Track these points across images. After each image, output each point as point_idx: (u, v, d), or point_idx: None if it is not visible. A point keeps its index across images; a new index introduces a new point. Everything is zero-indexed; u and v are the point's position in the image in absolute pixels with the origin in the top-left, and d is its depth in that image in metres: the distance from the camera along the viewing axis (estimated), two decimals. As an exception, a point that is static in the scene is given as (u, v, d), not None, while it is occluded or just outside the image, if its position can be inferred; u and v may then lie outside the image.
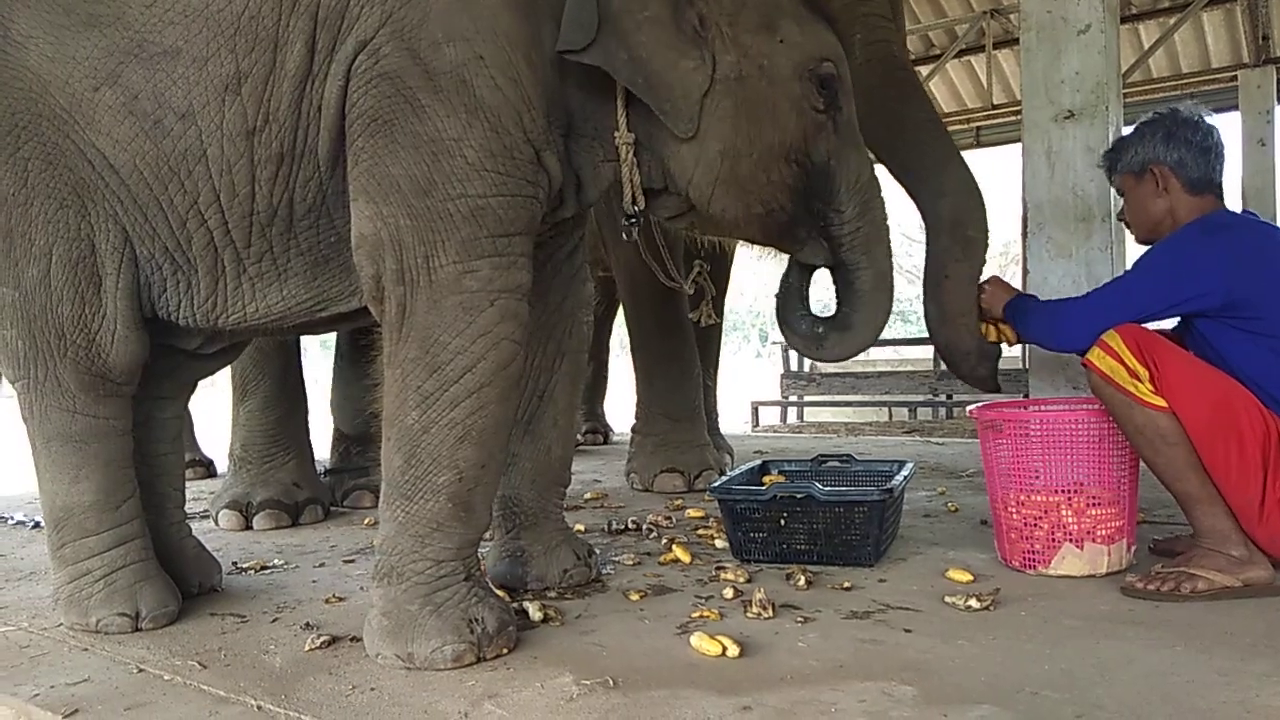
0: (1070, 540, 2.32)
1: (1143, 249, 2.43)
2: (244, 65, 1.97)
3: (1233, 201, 2.41)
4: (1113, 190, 2.56)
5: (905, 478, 2.75)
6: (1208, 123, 2.36)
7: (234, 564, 2.77)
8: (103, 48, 2.03)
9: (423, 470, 1.91)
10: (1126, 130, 2.51)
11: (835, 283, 2.32)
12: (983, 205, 2.58)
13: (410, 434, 1.91)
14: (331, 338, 4.01)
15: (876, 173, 2.30)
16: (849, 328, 2.32)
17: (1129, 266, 3.52)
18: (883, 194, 2.29)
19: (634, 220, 2.21)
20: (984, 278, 2.72)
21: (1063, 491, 2.32)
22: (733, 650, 1.86)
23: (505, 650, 1.92)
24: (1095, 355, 2.19)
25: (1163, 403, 2.13)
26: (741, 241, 2.67)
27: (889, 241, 2.30)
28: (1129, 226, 2.50)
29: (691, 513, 3.27)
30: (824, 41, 2.15)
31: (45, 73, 2.05)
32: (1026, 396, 3.71)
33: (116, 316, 2.12)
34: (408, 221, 1.90)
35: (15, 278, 2.11)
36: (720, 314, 4.19)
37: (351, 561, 2.81)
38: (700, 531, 2.97)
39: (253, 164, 2.01)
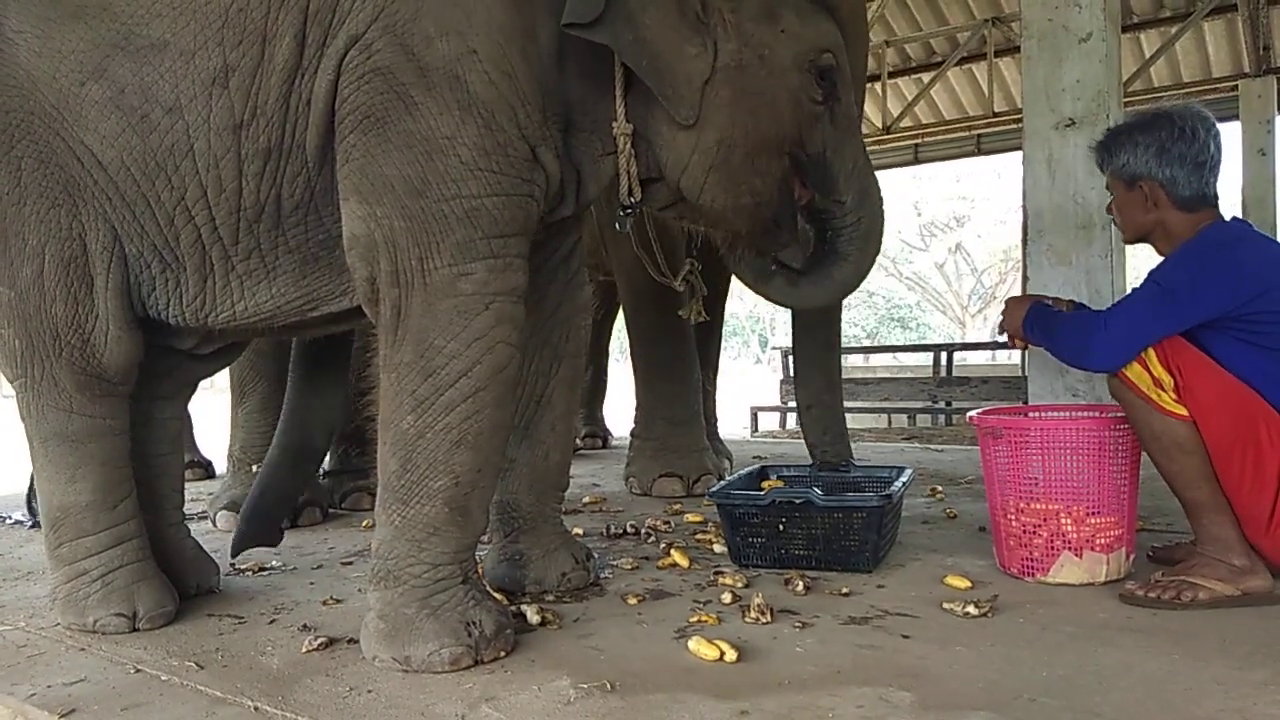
0: (1069, 548, 2.31)
1: (1139, 248, 2.41)
2: (231, 58, 1.94)
3: (1233, 212, 2.39)
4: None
5: (904, 484, 2.75)
6: (1205, 129, 2.27)
7: (231, 565, 2.77)
8: (89, 40, 2.01)
9: (419, 475, 1.91)
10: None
11: (816, 252, 2.38)
12: None
13: (406, 439, 1.91)
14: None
15: (870, 160, 2.34)
16: (795, 286, 2.40)
17: (1128, 274, 3.53)
18: (878, 186, 2.34)
19: (629, 211, 2.21)
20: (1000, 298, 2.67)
21: (1062, 499, 2.32)
22: (730, 655, 1.85)
23: (502, 653, 1.91)
24: None
25: (1183, 411, 2.12)
26: (725, 233, 2.65)
27: (882, 232, 2.36)
28: (1115, 222, 2.46)
29: (690, 517, 3.27)
30: (824, 32, 2.15)
31: (34, 68, 2.04)
32: (1026, 403, 3.72)
33: (108, 316, 2.11)
34: (402, 223, 1.88)
35: (11, 277, 2.11)
36: (720, 316, 4.20)
37: (349, 563, 2.81)
38: (699, 536, 2.97)
39: (240, 159, 1.98)
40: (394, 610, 1.91)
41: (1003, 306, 2.53)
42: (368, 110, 1.90)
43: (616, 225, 2.29)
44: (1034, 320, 2.38)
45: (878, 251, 2.40)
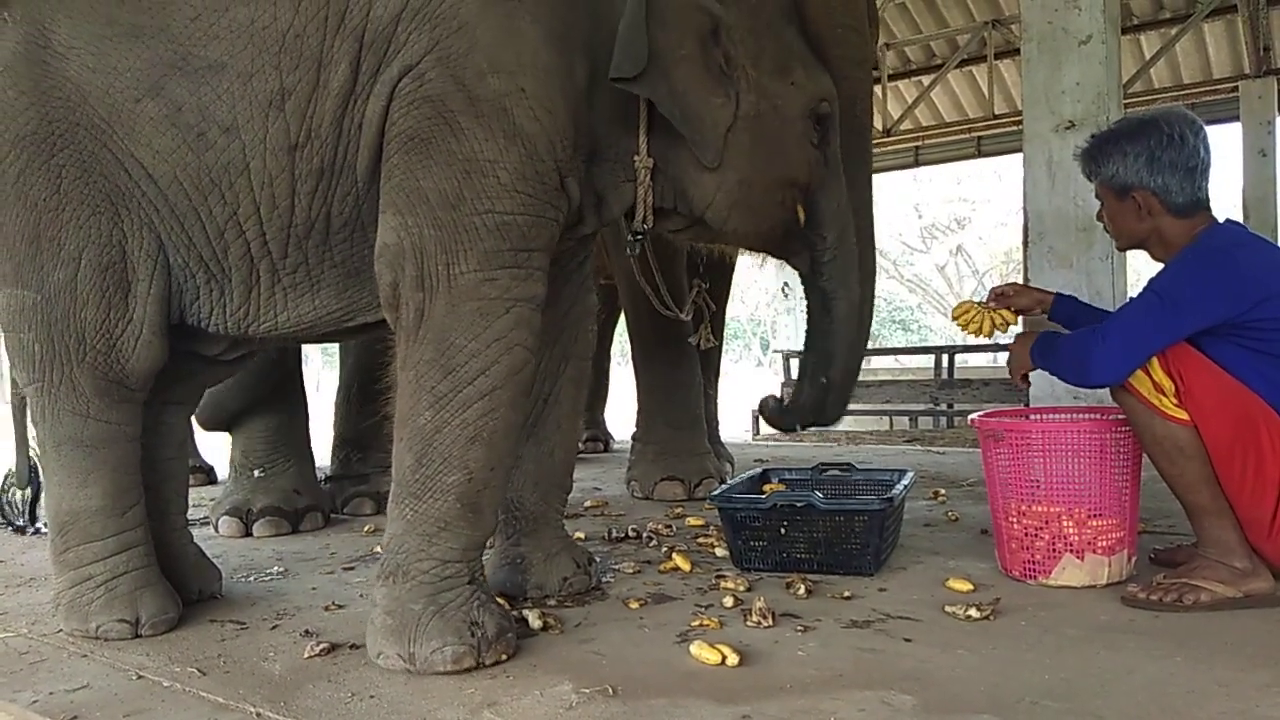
0: (1071, 551, 2.31)
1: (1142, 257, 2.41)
2: (288, 82, 2.03)
3: (1234, 213, 2.38)
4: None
5: (906, 487, 2.75)
6: (1193, 133, 2.25)
7: (233, 570, 2.77)
8: (146, 59, 2.07)
9: (433, 470, 1.94)
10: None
11: (810, 309, 2.51)
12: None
13: (423, 434, 1.95)
14: (333, 345, 4.02)
15: (849, 203, 2.47)
16: (827, 394, 2.50)
17: (1129, 275, 3.53)
18: (853, 223, 2.47)
19: (641, 236, 2.33)
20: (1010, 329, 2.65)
21: (1064, 502, 2.32)
22: (732, 659, 1.86)
23: (504, 656, 1.92)
24: None
25: (1185, 416, 2.12)
26: (741, 249, 2.81)
27: (857, 268, 2.47)
28: (1108, 230, 2.45)
29: (692, 521, 3.27)
30: (824, 84, 2.34)
31: (85, 83, 2.10)
32: (1028, 406, 3.71)
33: (144, 322, 2.16)
34: (432, 231, 1.96)
35: (39, 281, 2.14)
36: (721, 328, 4.20)
37: (351, 569, 2.81)
38: (700, 540, 2.97)
39: (294, 178, 2.07)
40: (401, 606, 1.94)
41: (1011, 346, 2.45)
42: (414, 132, 1.99)
43: (627, 250, 2.40)
44: (1038, 351, 2.34)
45: (860, 284, 2.49)
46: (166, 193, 2.11)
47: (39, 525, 3.36)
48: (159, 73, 2.06)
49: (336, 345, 4.01)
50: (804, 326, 2.61)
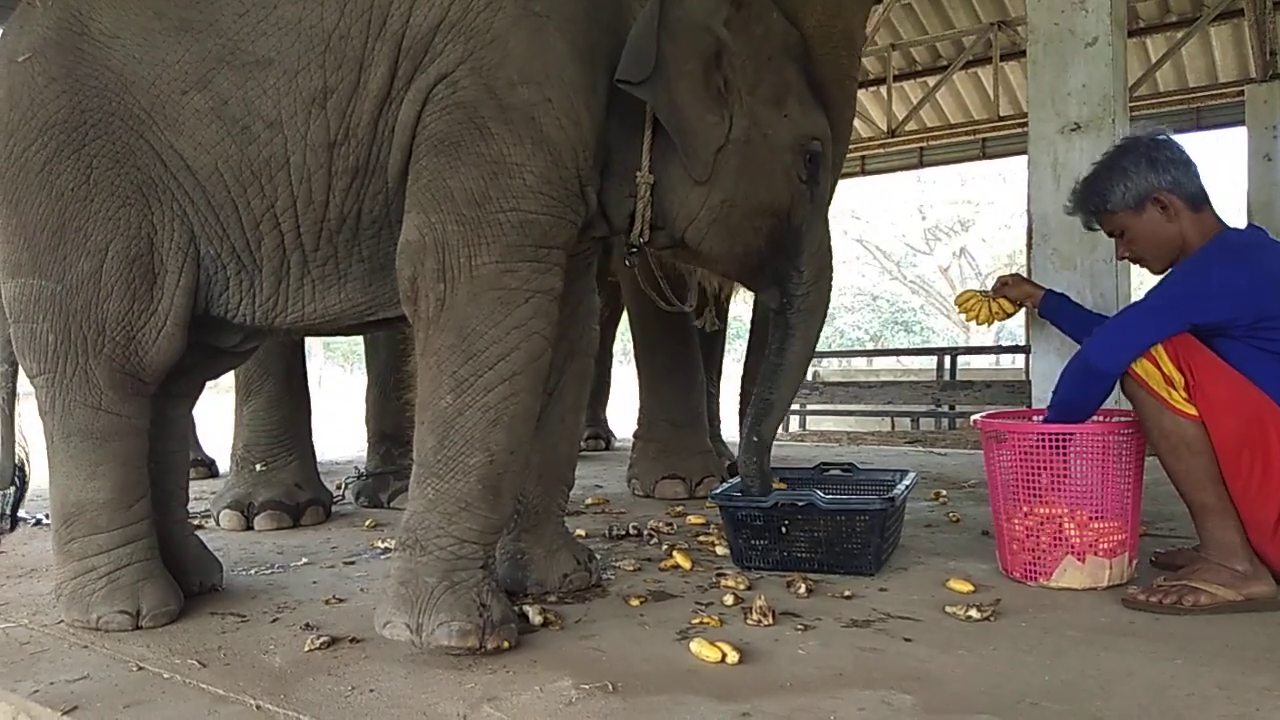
0: (1072, 553, 2.31)
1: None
2: (331, 81, 2.07)
3: (1239, 216, 2.40)
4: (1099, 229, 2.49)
5: (907, 487, 2.75)
6: (1166, 137, 2.35)
7: (234, 563, 2.77)
8: (195, 53, 2.10)
9: (455, 451, 1.98)
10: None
11: (771, 342, 2.53)
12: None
13: (444, 416, 1.99)
14: (334, 340, 4.01)
15: (833, 247, 2.54)
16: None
17: (1133, 278, 3.53)
18: (833, 267, 2.53)
19: (635, 251, 2.40)
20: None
21: (1065, 504, 2.32)
22: (732, 657, 1.86)
23: (505, 644, 1.93)
24: None
25: (1193, 411, 2.13)
26: (714, 274, 2.89)
27: (825, 313, 2.55)
28: (1139, 263, 2.45)
29: (693, 519, 3.28)
30: (818, 123, 2.39)
31: (129, 73, 2.11)
32: (1030, 407, 3.71)
33: (169, 314, 2.17)
34: (455, 227, 2.01)
35: (60, 271, 2.13)
36: (725, 319, 4.20)
37: (352, 563, 2.81)
38: (701, 538, 2.98)
39: (330, 175, 2.11)
40: (416, 577, 1.97)
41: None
42: (444, 136, 2.04)
43: (625, 262, 2.45)
44: (1054, 409, 2.37)
45: (822, 326, 2.59)
46: (205, 185, 2.13)
47: (40, 517, 3.36)
48: (207, 66, 2.09)
49: (342, 340, 4.00)
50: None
